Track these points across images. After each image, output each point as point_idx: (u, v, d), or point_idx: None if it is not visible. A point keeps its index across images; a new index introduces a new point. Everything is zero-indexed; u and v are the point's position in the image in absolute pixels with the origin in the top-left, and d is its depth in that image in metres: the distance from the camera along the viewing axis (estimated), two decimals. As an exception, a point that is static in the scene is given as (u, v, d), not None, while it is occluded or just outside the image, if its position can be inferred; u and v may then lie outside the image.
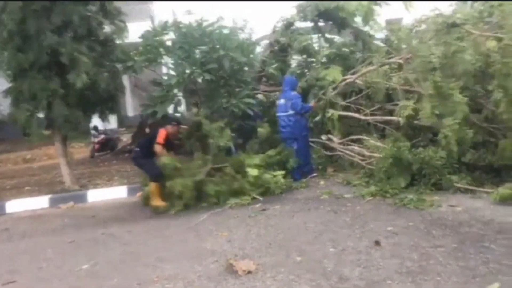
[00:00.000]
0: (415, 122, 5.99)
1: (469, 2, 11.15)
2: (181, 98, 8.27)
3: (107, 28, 7.84)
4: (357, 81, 7.42)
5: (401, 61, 6.23)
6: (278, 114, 7.34)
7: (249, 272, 3.60)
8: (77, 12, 7.12)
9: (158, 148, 6.11)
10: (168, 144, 6.34)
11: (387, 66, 7.12)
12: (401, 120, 5.96)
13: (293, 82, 7.53)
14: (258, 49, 10.03)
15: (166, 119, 7.13)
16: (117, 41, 8.02)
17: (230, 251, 4.10)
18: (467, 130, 5.22)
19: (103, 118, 8.45)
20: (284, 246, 4.10)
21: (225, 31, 8.18)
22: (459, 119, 5.08)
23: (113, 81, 7.76)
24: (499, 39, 5.06)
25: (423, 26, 7.54)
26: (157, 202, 5.91)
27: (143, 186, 6.79)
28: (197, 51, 7.67)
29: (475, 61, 5.28)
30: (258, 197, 5.90)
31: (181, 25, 8.05)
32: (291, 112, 7.06)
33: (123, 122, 20.63)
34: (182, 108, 9.57)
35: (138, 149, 6.53)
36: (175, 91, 7.87)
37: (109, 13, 7.83)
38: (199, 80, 7.64)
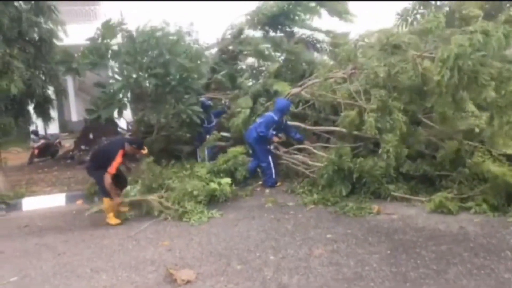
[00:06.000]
0: (356, 132, 6.19)
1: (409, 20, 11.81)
2: (126, 103, 8.11)
3: (44, 28, 7.49)
4: (302, 92, 7.55)
5: (345, 75, 6.42)
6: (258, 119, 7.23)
7: (188, 281, 3.55)
8: (6, 13, 6.71)
9: (107, 179, 5.27)
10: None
11: (332, 79, 7.33)
12: (345, 129, 6.13)
13: (283, 106, 6.98)
14: (208, 56, 10.04)
15: (125, 140, 6.68)
16: (57, 42, 7.71)
17: (170, 260, 4.03)
18: (403, 147, 5.49)
19: (45, 122, 8.07)
20: (225, 254, 4.09)
21: (173, 36, 8.14)
22: (398, 135, 5.33)
23: (50, 84, 7.41)
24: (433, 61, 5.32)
25: (367, 41, 7.88)
26: (111, 220, 5.41)
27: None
28: (144, 55, 7.57)
29: (415, 79, 5.54)
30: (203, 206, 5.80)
31: (129, 29, 7.91)
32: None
33: (66, 126, 19.85)
34: (128, 113, 9.39)
35: (91, 161, 5.72)
36: (120, 95, 7.69)
37: (43, 11, 7.44)
38: (146, 85, 7.52)
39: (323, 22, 10.38)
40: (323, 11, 9.76)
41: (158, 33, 7.82)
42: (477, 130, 5.47)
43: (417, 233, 4.38)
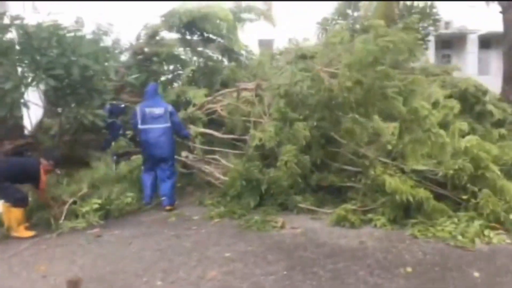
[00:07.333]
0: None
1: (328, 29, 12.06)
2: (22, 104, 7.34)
3: None
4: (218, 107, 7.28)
5: (252, 86, 6.27)
6: (152, 126, 5.96)
7: (56, 316, 3.10)
8: None
9: (43, 194, 5.31)
10: None
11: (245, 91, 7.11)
12: (250, 149, 5.91)
13: (157, 88, 6.60)
14: (121, 57, 9.45)
15: (46, 152, 5.98)
16: None
17: (42, 289, 3.53)
18: (305, 156, 5.42)
19: None
20: (108, 280, 3.67)
21: (80, 34, 7.51)
22: (298, 146, 5.23)
23: None
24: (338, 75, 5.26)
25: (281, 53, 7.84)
26: (23, 233, 4.90)
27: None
28: (43, 54, 6.87)
29: (321, 92, 5.45)
30: (98, 220, 5.31)
31: (27, 24, 7.14)
32: (168, 125, 6.00)
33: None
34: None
35: None
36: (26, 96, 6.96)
37: None
38: (41, 86, 6.83)
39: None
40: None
41: (61, 31, 7.16)
42: (389, 147, 5.51)
43: (317, 249, 4.25)
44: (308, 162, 5.44)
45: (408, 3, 12.01)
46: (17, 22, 6.92)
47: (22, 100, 7.24)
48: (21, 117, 8.35)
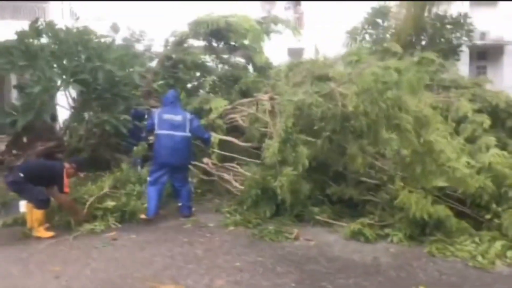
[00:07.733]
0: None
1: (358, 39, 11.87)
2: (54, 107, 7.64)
3: None
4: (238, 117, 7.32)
5: (265, 98, 6.27)
6: (171, 132, 5.73)
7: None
8: None
9: (64, 198, 5.35)
10: None
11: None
12: (266, 159, 5.83)
13: (177, 95, 6.46)
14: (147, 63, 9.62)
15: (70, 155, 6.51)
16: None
17: (53, 290, 3.61)
18: (303, 183, 5.32)
19: None
20: (117, 284, 3.71)
21: (106, 40, 7.74)
22: (298, 171, 5.12)
23: None
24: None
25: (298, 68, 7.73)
26: (42, 233, 5.08)
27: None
28: (71, 59, 7.11)
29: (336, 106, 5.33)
30: (115, 223, 5.42)
31: (57, 29, 7.41)
32: (187, 134, 5.84)
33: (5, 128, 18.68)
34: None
35: (21, 174, 5.19)
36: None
37: None
38: (68, 90, 7.08)
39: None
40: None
41: (88, 36, 7.39)
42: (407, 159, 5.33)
43: (329, 263, 4.17)
44: (306, 189, 5.34)
45: (441, 11, 11.69)
46: (53, 27, 7.20)
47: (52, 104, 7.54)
48: (52, 119, 8.67)
